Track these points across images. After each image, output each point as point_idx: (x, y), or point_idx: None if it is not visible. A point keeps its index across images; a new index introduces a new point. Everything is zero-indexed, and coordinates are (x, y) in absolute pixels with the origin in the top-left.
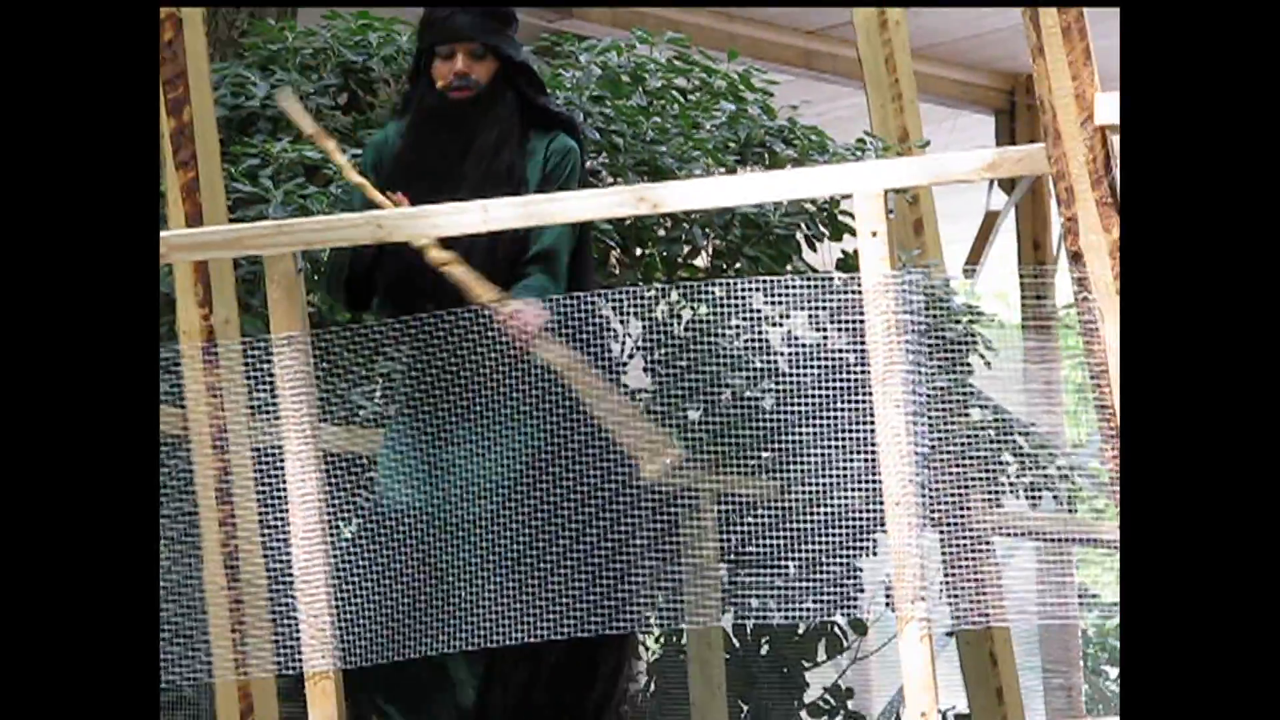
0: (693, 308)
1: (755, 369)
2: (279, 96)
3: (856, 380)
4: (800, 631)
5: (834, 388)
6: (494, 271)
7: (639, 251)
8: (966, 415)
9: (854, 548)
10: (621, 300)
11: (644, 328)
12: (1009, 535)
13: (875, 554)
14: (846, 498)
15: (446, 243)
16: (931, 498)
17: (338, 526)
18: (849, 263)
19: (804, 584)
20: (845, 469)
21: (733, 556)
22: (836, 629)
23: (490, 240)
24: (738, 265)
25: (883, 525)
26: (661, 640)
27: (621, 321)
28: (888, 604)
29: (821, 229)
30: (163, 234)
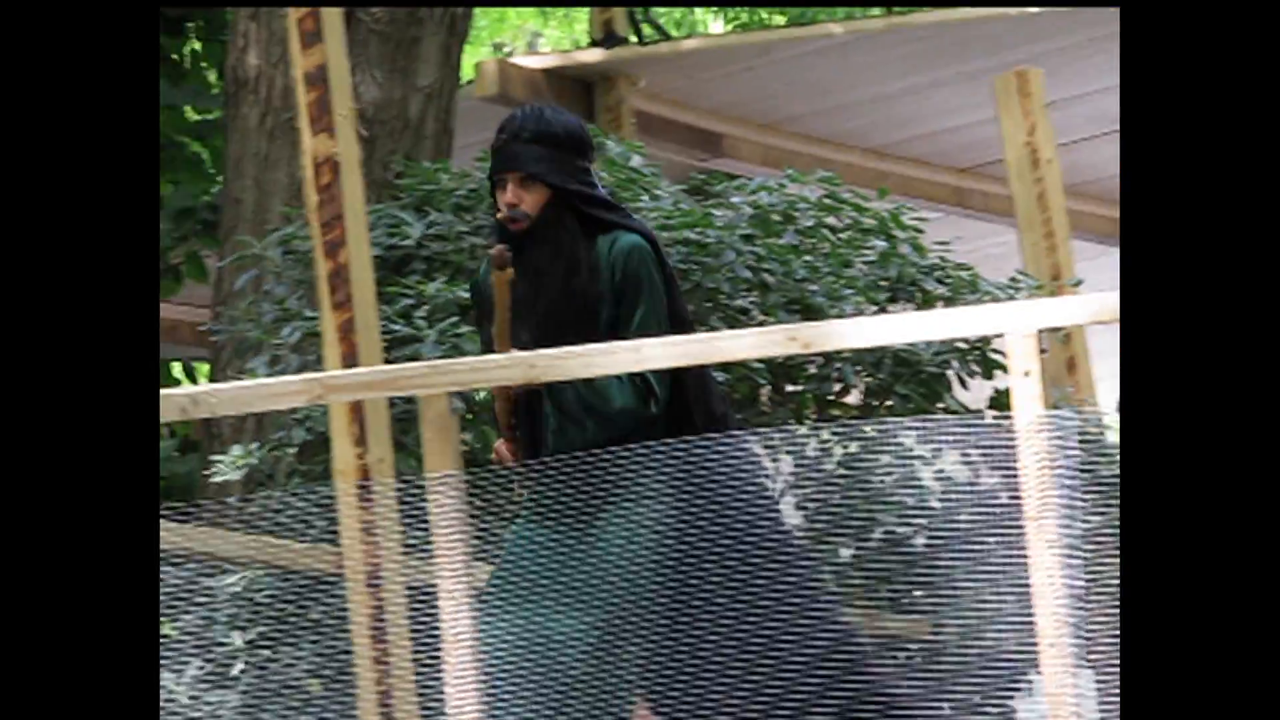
0: (844, 445)
1: (907, 507)
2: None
3: (1009, 519)
4: None
5: (986, 526)
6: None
7: (789, 389)
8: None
9: (1009, 688)
10: (773, 438)
11: (795, 465)
12: None
13: (1031, 695)
14: (1000, 637)
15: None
16: (1087, 638)
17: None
18: (1001, 400)
19: None
20: (999, 608)
21: (885, 695)
22: None
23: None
24: (889, 403)
25: (1037, 666)
26: None
27: (773, 459)
28: None
29: (973, 367)
30: (318, 375)
